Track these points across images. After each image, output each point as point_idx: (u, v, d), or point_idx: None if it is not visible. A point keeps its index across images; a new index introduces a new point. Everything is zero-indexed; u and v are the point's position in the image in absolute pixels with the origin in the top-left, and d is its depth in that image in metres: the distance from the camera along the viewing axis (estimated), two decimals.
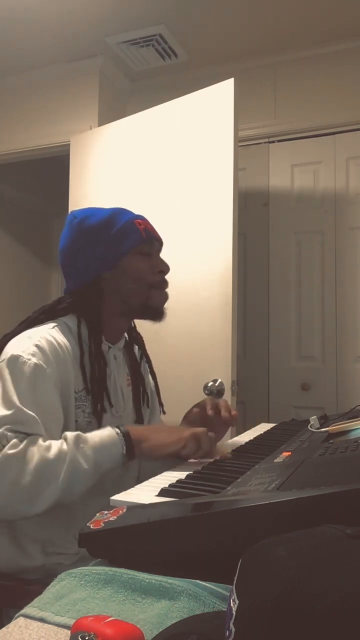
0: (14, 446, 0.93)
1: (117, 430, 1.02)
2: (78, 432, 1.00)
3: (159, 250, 1.27)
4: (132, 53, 2.74)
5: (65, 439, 0.98)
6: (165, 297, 1.24)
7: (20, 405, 0.98)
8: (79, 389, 1.12)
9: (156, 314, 1.23)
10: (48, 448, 0.95)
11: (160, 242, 1.26)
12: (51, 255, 4.19)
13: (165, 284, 1.24)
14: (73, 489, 0.95)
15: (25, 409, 0.98)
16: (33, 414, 0.99)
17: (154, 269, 1.21)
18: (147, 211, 1.28)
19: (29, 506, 0.93)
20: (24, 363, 1.03)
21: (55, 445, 0.96)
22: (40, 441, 0.96)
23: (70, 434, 0.99)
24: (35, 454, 0.93)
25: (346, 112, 2.59)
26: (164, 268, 1.23)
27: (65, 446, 0.96)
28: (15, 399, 0.99)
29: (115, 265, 1.18)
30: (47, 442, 0.96)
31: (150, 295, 1.20)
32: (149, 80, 2.99)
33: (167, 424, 1.13)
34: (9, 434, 0.95)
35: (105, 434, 1.01)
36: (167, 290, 1.24)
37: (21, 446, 0.93)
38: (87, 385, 1.13)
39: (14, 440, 0.94)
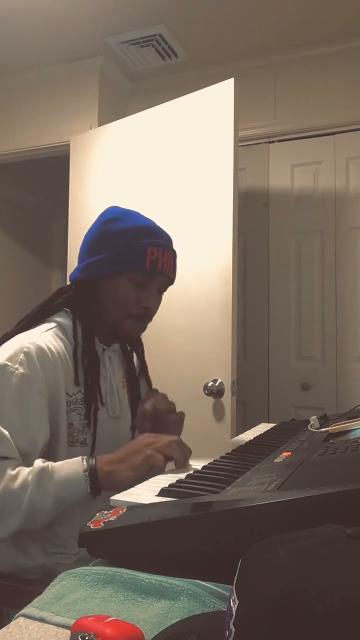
0: None
1: (85, 465, 1.00)
2: (45, 465, 0.99)
3: (163, 286, 1.21)
4: (132, 53, 2.74)
5: (32, 470, 0.99)
6: (139, 330, 1.20)
7: None
8: (74, 391, 1.12)
9: (125, 340, 1.24)
10: (14, 478, 0.97)
11: (167, 280, 1.21)
12: (51, 255, 4.19)
13: (145, 318, 1.19)
14: (34, 521, 0.98)
15: (1, 427, 1.01)
16: (6, 432, 1.01)
17: (138, 302, 1.16)
18: (148, 211, 1.27)
19: None
20: (11, 373, 1.04)
21: (22, 477, 0.98)
22: (9, 470, 0.98)
23: (37, 466, 0.99)
24: (0, 483, 0.96)
25: (346, 112, 2.59)
26: (150, 304, 1.17)
27: (30, 477, 0.97)
28: None
29: (108, 278, 1.16)
30: (15, 472, 0.98)
31: (123, 322, 1.17)
32: (149, 80, 2.99)
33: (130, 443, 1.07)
34: None
35: (72, 469, 1.00)
36: (145, 324, 1.20)
37: None
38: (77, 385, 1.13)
39: None
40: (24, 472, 0.98)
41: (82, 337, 1.16)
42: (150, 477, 0.93)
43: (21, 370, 1.04)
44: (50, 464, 1.00)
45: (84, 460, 1.00)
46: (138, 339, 1.28)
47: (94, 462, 1.00)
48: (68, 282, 1.26)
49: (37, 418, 1.05)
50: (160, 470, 0.98)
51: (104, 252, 1.16)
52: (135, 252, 1.13)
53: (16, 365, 1.04)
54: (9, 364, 1.05)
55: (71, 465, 1.00)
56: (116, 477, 0.98)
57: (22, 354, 1.06)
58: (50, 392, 1.07)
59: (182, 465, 1.00)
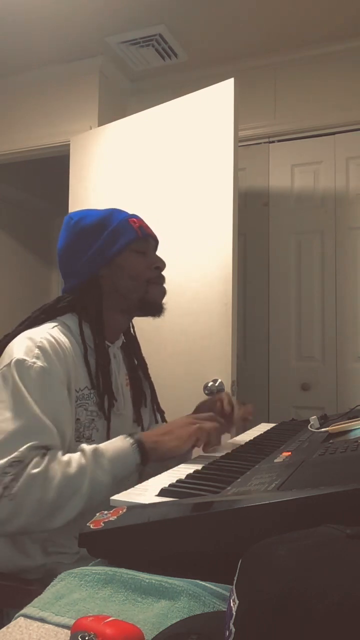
0: (37, 465, 0.96)
1: (131, 440, 1.03)
2: (95, 446, 1.01)
3: (155, 248, 1.28)
4: (132, 53, 2.74)
5: (84, 453, 1.00)
6: (163, 292, 1.25)
7: (36, 412, 1.00)
8: (80, 387, 1.12)
9: (155, 308, 1.25)
10: (69, 463, 0.97)
11: (155, 240, 1.28)
12: (51, 255, 4.18)
13: (162, 279, 1.25)
14: (94, 501, 0.97)
15: (41, 415, 1.00)
16: (47, 420, 1.00)
17: (149, 265, 1.23)
18: (148, 211, 1.28)
19: (52, 520, 0.96)
20: (30, 367, 1.03)
21: (75, 461, 0.98)
22: (60, 456, 0.98)
23: (87, 448, 1.01)
24: (57, 470, 0.96)
25: (346, 112, 2.59)
26: (160, 264, 1.25)
27: (84, 460, 0.98)
28: (28, 406, 1.00)
29: (111, 262, 1.19)
30: (67, 457, 0.98)
31: (148, 290, 1.22)
32: (149, 80, 2.99)
33: (171, 421, 1.14)
34: (30, 452, 0.97)
35: (119, 445, 1.02)
36: (165, 285, 1.26)
37: (43, 464, 0.96)
38: (91, 383, 1.14)
39: (36, 459, 0.96)
40: (75, 456, 0.99)
41: (93, 335, 1.17)
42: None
43: (39, 363, 1.04)
44: (97, 445, 1.03)
45: (128, 436, 1.04)
46: (160, 308, 1.27)
47: (138, 436, 1.05)
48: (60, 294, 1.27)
49: (63, 409, 1.05)
50: (200, 445, 1.05)
51: (92, 245, 1.19)
52: (123, 227, 1.20)
53: (33, 359, 1.04)
54: (26, 358, 1.04)
55: (116, 443, 1.04)
56: (162, 447, 1.03)
57: (37, 348, 1.06)
58: (66, 383, 1.08)
59: (212, 446, 1.08)
